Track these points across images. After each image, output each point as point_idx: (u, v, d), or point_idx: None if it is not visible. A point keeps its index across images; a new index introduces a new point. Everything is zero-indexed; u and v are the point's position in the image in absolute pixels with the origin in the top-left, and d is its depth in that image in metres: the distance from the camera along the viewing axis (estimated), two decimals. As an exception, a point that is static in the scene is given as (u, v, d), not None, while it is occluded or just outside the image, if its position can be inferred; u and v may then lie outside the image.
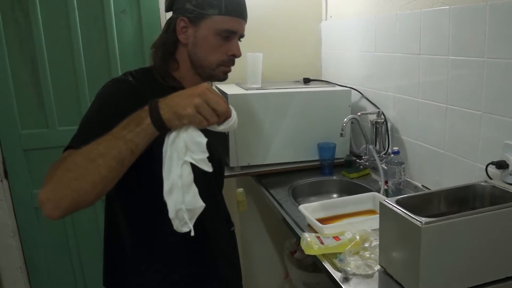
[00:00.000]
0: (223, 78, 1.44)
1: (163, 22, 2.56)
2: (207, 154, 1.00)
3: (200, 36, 1.35)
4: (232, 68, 1.47)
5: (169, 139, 1.00)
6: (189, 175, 1.00)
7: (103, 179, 0.99)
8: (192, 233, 1.02)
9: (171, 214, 1.01)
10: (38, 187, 2.55)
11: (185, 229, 1.02)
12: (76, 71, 2.52)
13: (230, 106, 1.03)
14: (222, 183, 1.64)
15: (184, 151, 0.98)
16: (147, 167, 1.13)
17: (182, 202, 1.00)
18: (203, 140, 1.00)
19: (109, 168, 0.98)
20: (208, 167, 1.00)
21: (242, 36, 1.44)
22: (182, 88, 1.36)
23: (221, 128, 1.03)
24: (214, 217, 1.47)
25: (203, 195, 1.04)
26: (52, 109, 2.52)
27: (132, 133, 0.98)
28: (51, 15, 2.41)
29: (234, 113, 1.04)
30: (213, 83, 1.79)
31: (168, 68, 1.40)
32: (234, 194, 1.70)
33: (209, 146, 1.02)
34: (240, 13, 1.39)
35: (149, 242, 1.35)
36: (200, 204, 1.03)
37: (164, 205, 1.02)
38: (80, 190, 0.98)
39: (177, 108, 0.98)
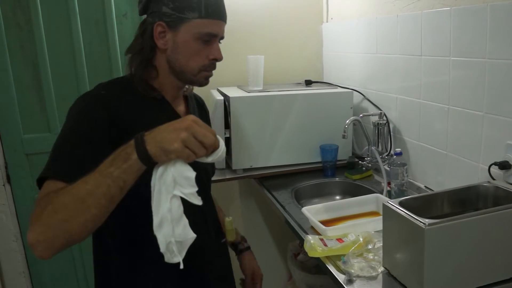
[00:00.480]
0: (204, 83, 1.38)
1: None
2: (196, 188, 0.98)
3: (179, 41, 1.28)
4: (234, 70, 1.47)
5: (157, 173, 0.97)
6: (178, 208, 0.98)
7: (94, 218, 0.97)
8: (181, 266, 0.99)
9: (162, 248, 0.98)
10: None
11: (175, 260, 1.00)
12: (77, 75, 2.52)
13: (217, 136, 1.01)
14: (209, 190, 1.57)
15: (173, 185, 0.96)
16: (134, 197, 1.09)
17: (172, 235, 0.98)
18: (192, 174, 0.98)
19: (99, 206, 0.96)
20: (198, 201, 0.98)
21: (222, 38, 1.37)
22: (162, 98, 1.34)
23: (209, 159, 1.01)
24: (202, 231, 1.33)
25: (188, 208, 1.01)
26: (54, 113, 2.52)
27: (119, 169, 0.95)
28: (53, 19, 2.42)
29: (222, 143, 1.02)
30: (217, 87, 1.71)
31: (147, 76, 1.33)
32: (224, 219, 1.67)
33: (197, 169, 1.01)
34: (220, 14, 1.32)
35: (138, 265, 1.31)
36: (191, 236, 1.01)
37: (152, 233, 0.99)
38: (71, 230, 0.95)
39: (164, 143, 0.94)
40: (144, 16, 1.36)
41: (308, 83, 2.70)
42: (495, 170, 1.50)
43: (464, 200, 1.36)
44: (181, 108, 1.43)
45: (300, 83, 2.74)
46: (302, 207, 1.80)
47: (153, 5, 1.29)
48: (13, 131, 2.48)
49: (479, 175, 1.61)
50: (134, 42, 1.34)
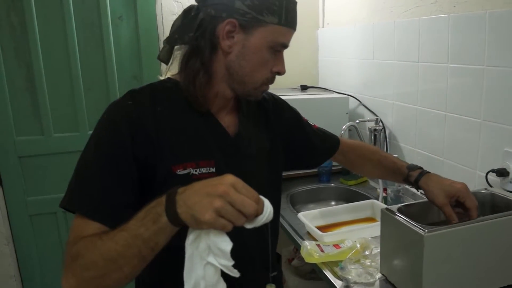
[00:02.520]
0: (259, 98, 1.21)
1: (159, 28, 2.57)
2: (232, 262, 0.84)
3: (250, 47, 1.08)
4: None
5: (189, 238, 0.85)
6: (214, 275, 0.85)
7: (127, 276, 0.90)
8: None
9: None
10: (33, 194, 2.55)
11: None
12: (72, 77, 2.51)
13: (262, 198, 0.86)
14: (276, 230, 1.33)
15: (207, 252, 0.84)
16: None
17: None
18: (228, 247, 0.83)
19: (132, 266, 0.89)
20: (234, 274, 0.84)
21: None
22: (208, 114, 1.15)
23: (250, 226, 0.86)
24: (245, 266, 1.02)
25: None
26: (48, 115, 2.50)
27: (149, 231, 0.86)
28: (47, 21, 2.41)
29: (267, 207, 0.86)
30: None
31: (199, 83, 1.10)
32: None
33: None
34: (296, 23, 1.15)
35: None
36: None
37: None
38: (106, 286, 0.90)
39: (195, 212, 0.80)
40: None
41: (304, 88, 2.70)
42: (492, 177, 1.50)
43: (461, 207, 1.35)
44: (228, 119, 1.20)
45: (295, 88, 2.74)
46: (298, 212, 1.80)
47: None
48: (6, 133, 2.45)
49: (476, 182, 1.61)
50: (187, 39, 1.12)
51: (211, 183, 0.83)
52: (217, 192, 0.80)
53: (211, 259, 0.84)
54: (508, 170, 1.45)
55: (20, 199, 2.53)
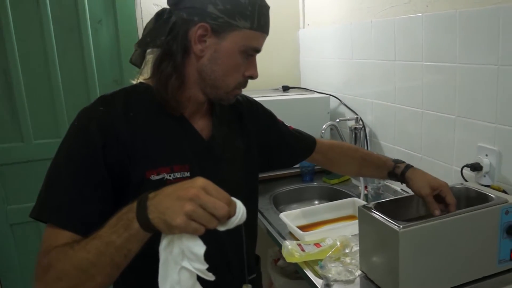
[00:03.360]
0: (232, 102, 1.21)
1: (140, 31, 2.55)
2: (206, 266, 0.83)
3: (222, 51, 1.08)
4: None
5: (162, 243, 0.84)
6: (189, 280, 0.85)
7: (101, 285, 0.88)
8: None
9: None
10: (14, 203, 2.51)
11: None
12: (51, 83, 2.48)
13: (233, 199, 0.85)
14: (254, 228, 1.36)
15: (181, 257, 0.83)
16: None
17: None
18: (201, 250, 0.82)
19: (105, 274, 0.88)
20: (209, 277, 0.84)
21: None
22: (181, 118, 1.14)
23: (223, 228, 0.85)
24: (221, 270, 1.12)
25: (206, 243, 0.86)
26: (27, 122, 2.47)
27: (121, 238, 0.84)
28: (25, 25, 2.38)
29: (239, 208, 0.86)
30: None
31: (171, 87, 1.09)
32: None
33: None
34: (268, 28, 1.16)
35: None
36: None
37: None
38: None
39: (166, 216, 0.80)
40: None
41: (286, 89, 2.72)
42: (467, 172, 1.53)
43: (439, 202, 1.38)
44: (202, 122, 1.20)
45: (277, 89, 2.76)
46: (281, 212, 1.81)
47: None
48: (-15, 141, 2.42)
49: (452, 177, 1.64)
50: (153, 38, 1.11)
51: (182, 187, 0.82)
52: (188, 195, 0.79)
53: (185, 263, 0.83)
54: (481, 164, 1.48)
55: (0, 208, 2.50)
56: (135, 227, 0.83)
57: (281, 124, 1.50)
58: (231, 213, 0.83)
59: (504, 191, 1.39)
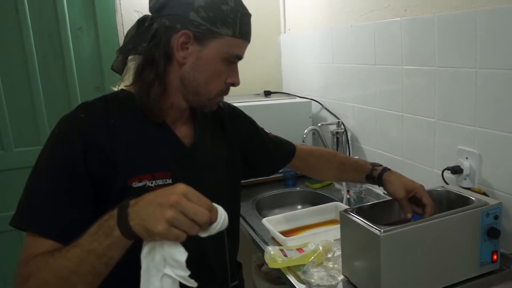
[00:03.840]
0: (214, 109, 1.22)
1: (120, 38, 2.55)
2: (188, 273, 0.83)
3: (204, 58, 1.09)
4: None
5: (144, 250, 0.83)
6: (171, 287, 0.84)
7: None
8: None
9: None
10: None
11: None
12: (32, 90, 2.46)
13: (215, 205, 0.85)
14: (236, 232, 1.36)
15: (163, 264, 0.83)
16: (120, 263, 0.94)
17: None
18: (182, 257, 0.82)
19: (86, 283, 0.87)
20: (192, 284, 0.83)
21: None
22: (163, 125, 1.14)
23: (205, 235, 0.85)
24: (204, 277, 1.03)
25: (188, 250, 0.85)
26: (8, 130, 2.45)
27: (102, 246, 0.84)
28: (4, 32, 2.36)
29: (220, 214, 0.85)
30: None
31: (154, 94, 1.09)
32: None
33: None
34: (250, 36, 1.17)
35: None
36: None
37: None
38: None
39: (147, 223, 0.79)
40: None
41: (267, 93, 2.72)
42: (448, 174, 1.54)
43: (416, 204, 1.38)
44: (184, 129, 1.21)
45: (259, 94, 2.76)
46: (264, 217, 1.80)
47: (176, 6, 1.06)
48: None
49: (434, 180, 1.65)
50: (134, 45, 1.11)
51: (162, 194, 0.82)
52: (169, 202, 0.79)
53: (167, 270, 0.83)
54: (461, 167, 1.49)
55: (-17, 216, 2.45)
56: (116, 235, 0.82)
57: (262, 131, 1.51)
58: (212, 219, 0.83)
59: (484, 194, 1.40)
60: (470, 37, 1.41)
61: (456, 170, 1.49)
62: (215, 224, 0.84)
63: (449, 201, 1.38)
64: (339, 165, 1.57)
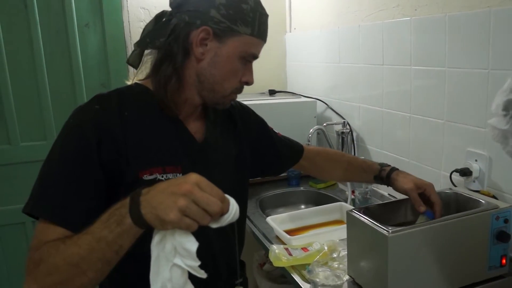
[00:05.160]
0: (227, 107, 1.24)
1: (127, 35, 2.55)
2: (198, 263, 0.82)
3: (223, 55, 1.10)
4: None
5: (155, 239, 0.83)
6: (181, 277, 0.84)
7: (92, 281, 0.88)
8: None
9: None
10: (0, 204, 2.49)
11: None
12: (38, 85, 2.46)
13: (227, 196, 0.85)
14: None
15: (173, 253, 0.82)
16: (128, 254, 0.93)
17: None
18: (193, 247, 0.81)
19: (95, 270, 0.87)
20: (201, 274, 0.82)
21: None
22: (176, 119, 1.15)
23: (216, 225, 0.84)
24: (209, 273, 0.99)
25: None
26: (14, 124, 2.45)
27: (113, 234, 0.84)
28: (12, 28, 2.36)
29: (232, 206, 0.85)
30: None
31: (171, 89, 1.11)
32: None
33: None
34: (266, 36, 1.18)
35: None
36: None
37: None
38: None
39: (159, 211, 0.79)
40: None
41: (272, 93, 2.71)
42: (456, 177, 1.53)
43: (428, 204, 1.37)
44: (195, 125, 1.21)
45: (264, 93, 2.74)
46: (267, 216, 1.79)
47: (197, 3, 1.08)
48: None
49: (441, 182, 1.63)
50: (152, 39, 1.11)
51: (175, 183, 0.82)
52: (181, 191, 0.79)
53: (177, 260, 0.83)
54: (470, 169, 1.47)
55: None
56: (127, 223, 0.83)
57: (272, 130, 1.51)
58: (224, 210, 0.83)
59: (494, 197, 1.38)
60: (483, 38, 1.39)
61: (465, 172, 1.48)
62: (226, 215, 0.84)
63: (458, 204, 1.36)
64: (347, 166, 1.56)
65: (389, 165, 1.46)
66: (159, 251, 0.83)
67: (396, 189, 1.38)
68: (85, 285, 0.88)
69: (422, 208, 1.28)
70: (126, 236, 0.85)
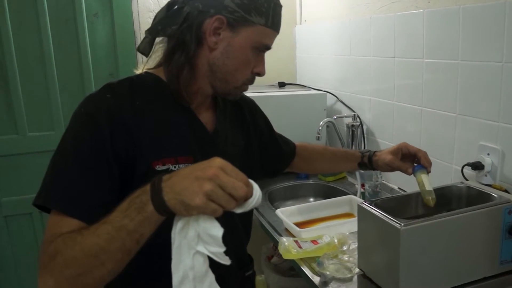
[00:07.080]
0: (238, 98, 1.23)
1: (136, 25, 2.54)
2: (224, 248, 0.81)
3: (236, 45, 1.08)
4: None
5: (177, 226, 0.82)
6: (203, 265, 0.82)
7: (110, 272, 0.86)
8: None
9: None
10: (8, 195, 2.50)
11: None
12: (47, 76, 2.46)
13: (250, 181, 0.84)
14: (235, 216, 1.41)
15: (196, 241, 0.81)
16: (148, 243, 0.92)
17: None
18: (219, 232, 0.80)
19: (115, 261, 0.85)
20: (225, 261, 0.81)
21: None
22: (187, 109, 1.13)
23: (240, 210, 0.83)
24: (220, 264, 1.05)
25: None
26: (22, 114, 2.46)
27: (134, 222, 0.82)
28: (21, 17, 2.36)
29: (256, 191, 0.84)
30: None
31: (183, 78, 1.09)
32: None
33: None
34: (280, 27, 1.16)
35: None
36: None
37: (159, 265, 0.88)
38: (86, 285, 0.86)
39: (184, 197, 0.77)
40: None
41: (282, 85, 2.70)
42: (468, 170, 1.51)
43: (438, 201, 1.36)
44: (206, 115, 1.20)
45: (273, 85, 2.73)
46: (276, 209, 1.79)
47: None
48: (-21, 133, 2.39)
49: (452, 176, 1.62)
50: (163, 27, 1.10)
51: (199, 167, 0.80)
52: (207, 175, 0.78)
53: (200, 247, 0.81)
54: (483, 163, 1.46)
55: (-8, 201, 2.48)
56: (149, 210, 0.81)
57: (273, 128, 1.53)
58: (248, 194, 0.81)
59: (506, 191, 1.37)
60: (498, 30, 1.37)
61: (477, 166, 1.46)
62: (250, 200, 0.82)
63: (470, 198, 1.35)
64: (331, 157, 1.58)
65: (369, 150, 1.49)
66: (181, 239, 0.81)
67: (380, 168, 1.44)
68: (104, 277, 0.86)
69: (410, 170, 1.34)
70: (147, 224, 0.82)
